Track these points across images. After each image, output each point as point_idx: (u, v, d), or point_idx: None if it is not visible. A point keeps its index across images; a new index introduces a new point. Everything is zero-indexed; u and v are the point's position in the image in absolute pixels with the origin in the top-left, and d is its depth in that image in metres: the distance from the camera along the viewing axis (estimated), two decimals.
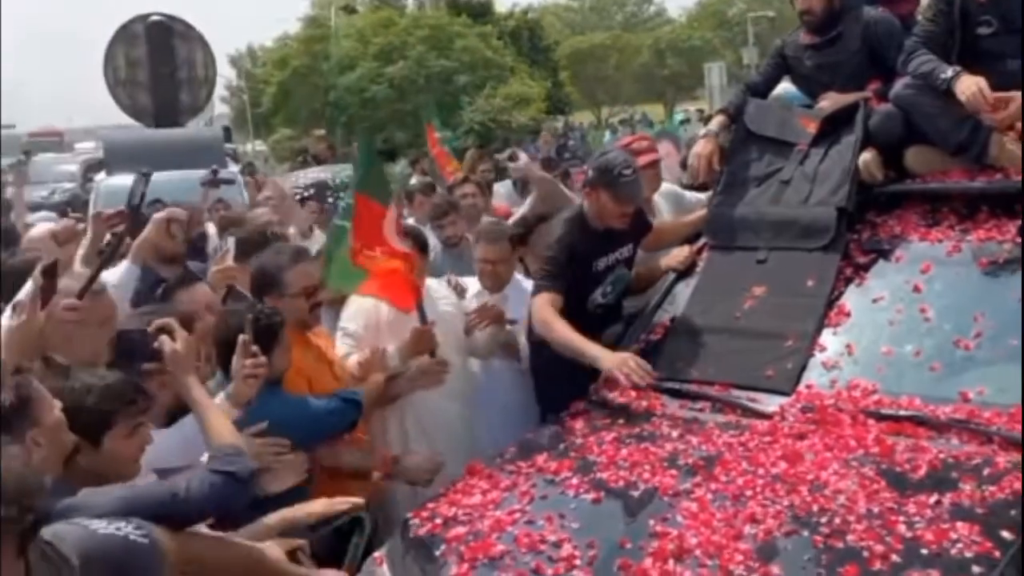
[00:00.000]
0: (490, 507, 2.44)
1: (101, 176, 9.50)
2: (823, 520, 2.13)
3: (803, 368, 2.89)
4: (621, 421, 2.89)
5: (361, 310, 3.54)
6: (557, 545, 2.19)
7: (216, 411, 2.38)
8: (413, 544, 2.41)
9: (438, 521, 2.45)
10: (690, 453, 2.57)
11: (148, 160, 4.37)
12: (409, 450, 3.34)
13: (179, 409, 2.51)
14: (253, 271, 3.29)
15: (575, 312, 3.37)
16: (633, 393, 3.03)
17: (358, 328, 3.50)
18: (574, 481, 2.50)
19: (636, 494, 2.40)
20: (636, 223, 3.55)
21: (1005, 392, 2.60)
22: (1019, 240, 2.97)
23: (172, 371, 2.41)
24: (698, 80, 33.87)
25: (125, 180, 5.46)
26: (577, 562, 2.12)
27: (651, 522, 2.22)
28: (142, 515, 1.84)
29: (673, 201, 4.02)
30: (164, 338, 2.44)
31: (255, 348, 2.60)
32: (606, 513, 2.34)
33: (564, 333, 3.22)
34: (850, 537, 2.05)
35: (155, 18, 10.52)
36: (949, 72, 3.10)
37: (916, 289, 2.97)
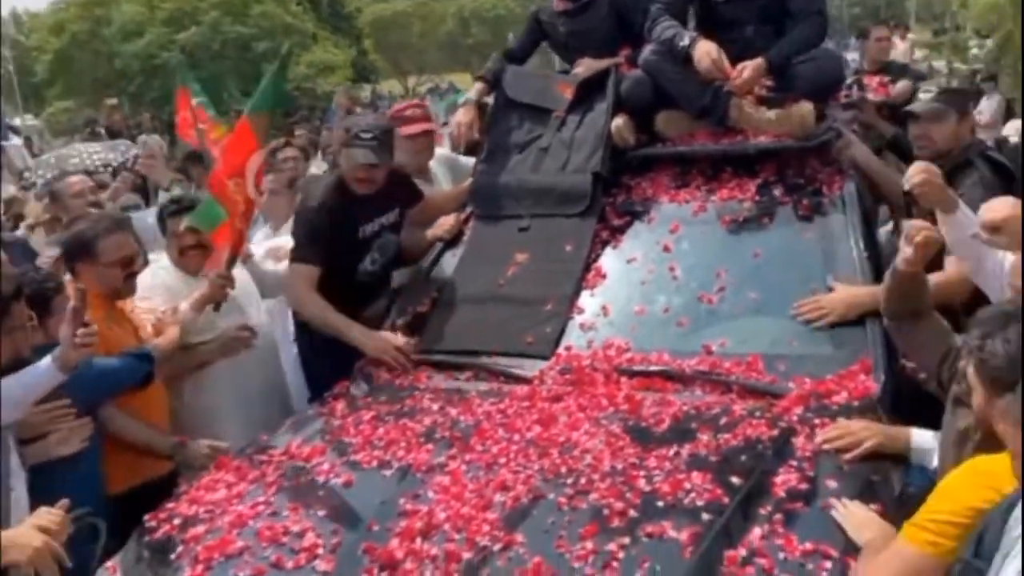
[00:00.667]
0: (234, 502, 2.29)
1: None
2: (569, 481, 2.13)
3: (562, 332, 2.92)
4: (383, 398, 2.81)
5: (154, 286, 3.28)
6: (300, 535, 2.08)
7: None
8: (148, 548, 2.22)
9: (176, 522, 2.26)
10: (448, 426, 2.52)
11: None
12: (203, 432, 3.09)
13: None
14: (68, 238, 3.14)
15: (344, 283, 3.27)
16: (392, 373, 2.97)
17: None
18: (325, 466, 2.39)
19: (389, 473, 2.31)
20: (402, 189, 3.46)
21: (745, 343, 2.72)
22: (759, 199, 3.13)
23: None
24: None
25: None
26: (320, 551, 2.02)
27: (401, 501, 2.15)
28: None
29: (449, 167, 3.95)
30: None
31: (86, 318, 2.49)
32: (356, 496, 2.24)
33: (320, 312, 3.11)
34: (592, 496, 2.06)
35: None
36: (687, 39, 3.20)
37: (666, 249, 3.06)
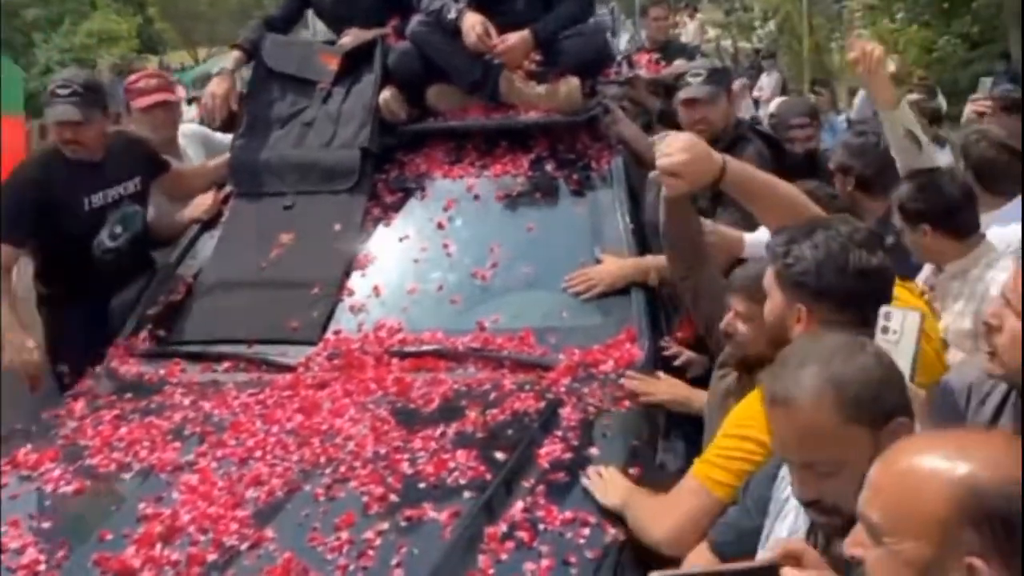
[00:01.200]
0: None
1: None
2: (328, 471, 2.00)
3: (331, 315, 2.76)
4: (129, 395, 2.54)
5: None
6: (19, 552, 1.82)
7: None
8: None
9: None
10: (199, 421, 2.31)
11: None
12: None
13: None
14: None
15: (81, 261, 3.02)
16: (145, 364, 2.72)
17: None
18: (56, 473, 2.12)
19: (128, 477, 2.08)
20: (141, 157, 3.23)
21: (517, 318, 2.68)
22: (531, 174, 3.10)
23: None
24: None
25: None
26: (41, 567, 1.77)
27: (141, 505, 1.93)
28: None
29: (201, 143, 3.68)
30: None
31: None
32: (88, 504, 2.01)
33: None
34: (352, 484, 1.93)
35: None
36: (454, 12, 3.12)
37: (440, 226, 2.98)
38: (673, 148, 1.94)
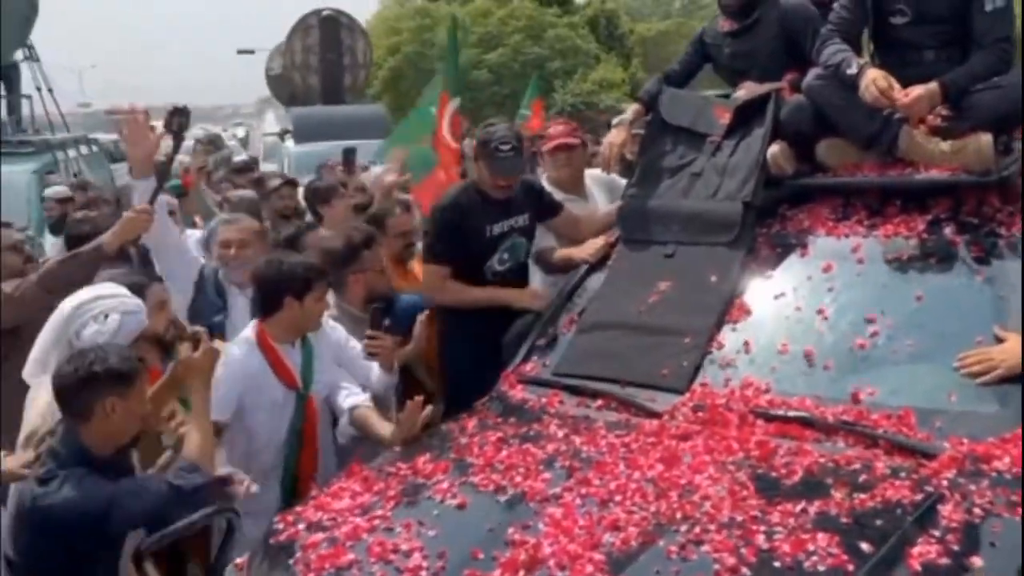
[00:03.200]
0: (355, 512, 2.35)
1: (289, 144, 11.51)
2: (683, 528, 2.04)
3: (699, 366, 2.81)
4: (513, 420, 2.81)
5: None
6: (407, 555, 2.10)
7: (203, 425, 2.64)
8: (272, 550, 2.32)
9: (301, 527, 2.35)
10: (569, 455, 2.48)
11: (328, 132, 5.37)
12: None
13: None
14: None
15: (474, 281, 3.57)
16: (530, 391, 2.97)
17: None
18: (444, 485, 2.40)
19: (503, 499, 2.30)
20: (533, 196, 3.70)
21: (897, 394, 2.52)
22: (926, 237, 2.90)
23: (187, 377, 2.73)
24: None
25: (310, 148, 9.05)
26: (423, 574, 2.03)
27: (510, 530, 2.13)
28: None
29: (606, 187, 3.98)
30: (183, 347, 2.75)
31: None
32: (467, 520, 2.24)
33: (460, 294, 3.48)
34: (705, 547, 1.96)
35: (326, 13, 12.95)
36: (854, 67, 3.01)
37: (818, 286, 2.89)
38: None
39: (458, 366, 3.54)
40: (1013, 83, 3.05)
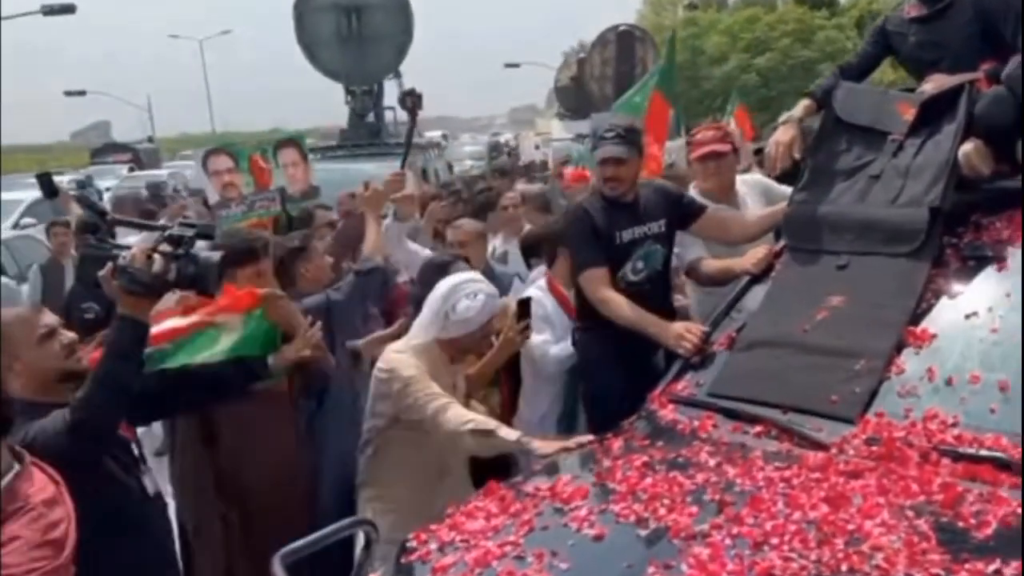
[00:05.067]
0: (488, 535, 2.23)
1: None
2: None
3: (874, 393, 2.51)
4: (660, 443, 2.61)
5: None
6: None
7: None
8: (403, 569, 2.24)
9: (433, 546, 2.26)
10: (720, 487, 2.26)
11: None
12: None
13: None
14: None
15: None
16: (682, 412, 2.77)
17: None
18: (583, 512, 2.24)
19: (644, 533, 2.12)
20: (670, 201, 3.48)
21: None
22: None
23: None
24: None
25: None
26: None
27: (651, 569, 1.95)
28: None
29: (760, 192, 3.70)
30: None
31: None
32: (603, 553, 2.07)
33: (625, 308, 3.22)
34: None
35: (623, 28, 14.48)
36: None
37: (1017, 305, 2.52)
38: None
39: (604, 381, 3.35)
40: None
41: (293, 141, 5.41)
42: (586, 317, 3.46)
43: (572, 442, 2.74)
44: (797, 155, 3.26)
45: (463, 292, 3.16)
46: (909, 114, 2.99)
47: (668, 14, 38.41)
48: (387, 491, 3.17)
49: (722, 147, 3.76)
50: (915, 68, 3.32)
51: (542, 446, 2.75)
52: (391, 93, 13.84)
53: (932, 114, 2.94)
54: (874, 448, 2.33)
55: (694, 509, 2.17)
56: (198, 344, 2.92)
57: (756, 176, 3.87)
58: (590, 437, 2.79)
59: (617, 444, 2.67)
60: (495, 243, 5.13)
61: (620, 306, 3.23)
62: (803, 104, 3.35)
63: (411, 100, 4.10)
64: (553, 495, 2.37)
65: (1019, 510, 1.99)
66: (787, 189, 3.42)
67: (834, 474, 2.25)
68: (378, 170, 6.33)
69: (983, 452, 2.20)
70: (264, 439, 3.22)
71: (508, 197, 5.41)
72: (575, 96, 17.65)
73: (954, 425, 2.32)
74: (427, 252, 4.15)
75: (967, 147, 2.80)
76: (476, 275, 3.34)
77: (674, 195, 3.53)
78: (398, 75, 13.96)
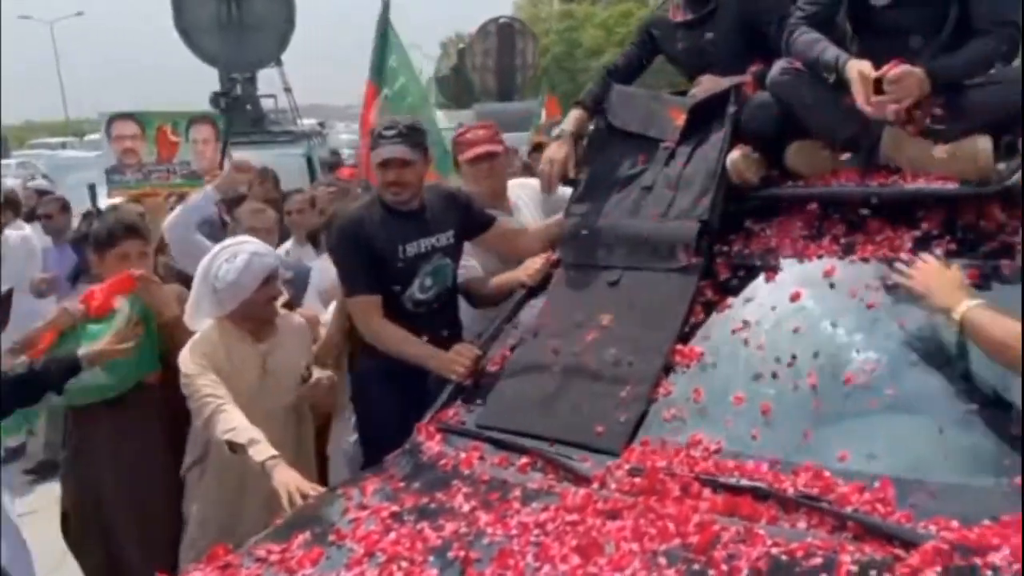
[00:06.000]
0: None
1: None
2: None
3: (641, 420, 2.34)
4: (417, 485, 2.35)
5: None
6: None
7: None
8: None
9: None
10: (469, 540, 2.02)
11: (508, 125, 5.50)
12: None
13: None
14: None
15: (394, 312, 3.01)
16: (449, 443, 2.52)
17: None
18: None
19: None
20: (459, 211, 3.16)
21: (874, 459, 2.05)
22: (915, 258, 2.41)
23: None
24: None
25: None
26: None
27: None
28: None
29: (536, 197, 3.48)
30: None
31: None
32: None
33: (396, 340, 2.94)
34: None
35: (503, 20, 14.54)
36: (830, 53, 2.54)
37: (784, 319, 2.42)
38: None
39: (379, 416, 3.05)
40: (1015, 76, 2.57)
41: (209, 118, 5.01)
42: (362, 343, 3.16)
43: (310, 488, 2.45)
44: (571, 173, 3.07)
45: (221, 259, 2.96)
46: (680, 119, 2.87)
47: (544, 6, 39.08)
48: (199, 507, 3.03)
49: (495, 147, 3.49)
50: (687, 71, 3.21)
51: (281, 476, 2.52)
52: (272, 81, 14.24)
53: (700, 121, 2.83)
54: (636, 480, 2.15)
55: (434, 571, 1.92)
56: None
57: (533, 181, 3.67)
58: (324, 489, 2.54)
59: (372, 487, 2.39)
60: (287, 246, 4.75)
61: (391, 338, 2.94)
62: (574, 115, 3.16)
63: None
64: (281, 561, 2.06)
65: (773, 549, 1.84)
66: (566, 191, 3.22)
67: (592, 514, 2.05)
68: (260, 158, 6.20)
69: (743, 483, 2.05)
70: (119, 440, 3.13)
71: (296, 200, 5.01)
72: (456, 86, 17.91)
73: (718, 451, 2.18)
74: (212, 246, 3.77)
75: (735, 155, 2.69)
76: (237, 239, 3.13)
77: (462, 202, 3.21)
78: (279, 63, 14.00)
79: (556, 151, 3.09)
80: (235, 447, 2.71)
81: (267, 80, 14.73)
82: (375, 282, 3.01)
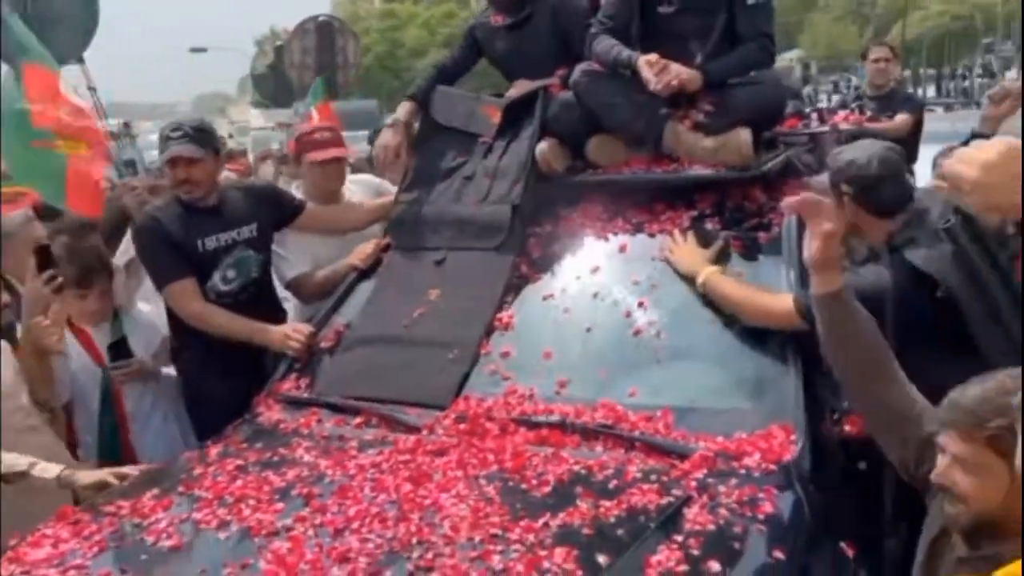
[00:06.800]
0: (54, 562, 2.02)
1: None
2: (416, 555, 1.85)
3: (466, 378, 2.64)
4: (260, 444, 2.54)
5: None
6: None
7: None
8: None
9: None
10: (311, 481, 2.25)
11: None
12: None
13: None
14: None
15: None
16: (287, 412, 2.72)
17: None
18: (162, 524, 2.11)
19: (225, 536, 2.04)
20: (264, 203, 3.31)
21: (658, 394, 2.43)
22: (692, 233, 2.84)
23: None
24: None
25: None
26: None
27: (226, 571, 1.87)
28: None
29: (370, 192, 3.72)
30: None
31: None
32: (178, 562, 1.97)
33: (222, 318, 3.04)
34: (434, 575, 1.77)
35: (322, 18, 14.31)
36: (625, 53, 2.96)
37: (586, 287, 2.79)
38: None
39: (208, 393, 3.17)
40: (771, 79, 3.08)
41: None
42: (181, 333, 3.21)
43: (116, 472, 2.47)
44: (404, 158, 3.35)
45: None
46: (496, 117, 3.21)
47: (364, 4, 39.04)
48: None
49: (342, 151, 3.65)
50: (506, 73, 3.56)
51: (85, 476, 2.45)
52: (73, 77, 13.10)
53: (514, 118, 3.18)
54: (461, 426, 2.45)
55: (280, 506, 2.13)
56: None
57: (365, 176, 3.90)
58: (140, 468, 2.58)
59: (214, 451, 2.56)
60: None
61: (215, 316, 3.05)
62: (406, 106, 3.45)
63: None
64: (133, 512, 2.21)
65: (575, 467, 2.18)
66: (393, 186, 3.49)
67: (422, 454, 2.32)
68: None
69: (551, 419, 2.39)
70: None
71: None
72: (274, 84, 17.30)
73: (531, 398, 2.50)
74: None
75: (542, 147, 3.05)
76: None
77: (267, 195, 3.38)
78: (81, 60, 13.12)
79: (390, 138, 3.36)
80: (10, 478, 2.44)
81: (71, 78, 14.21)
82: (184, 268, 3.08)
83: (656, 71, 2.86)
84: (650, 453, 2.22)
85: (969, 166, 1.30)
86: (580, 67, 3.10)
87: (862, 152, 2.43)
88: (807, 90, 23.32)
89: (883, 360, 1.93)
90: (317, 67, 14.57)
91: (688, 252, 2.70)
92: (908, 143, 3.67)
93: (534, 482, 2.12)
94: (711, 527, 1.88)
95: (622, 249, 2.86)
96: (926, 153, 4.28)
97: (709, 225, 2.84)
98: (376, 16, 35.87)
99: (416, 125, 3.42)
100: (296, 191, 3.66)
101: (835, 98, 10.98)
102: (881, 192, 2.38)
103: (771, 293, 2.47)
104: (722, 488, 2.03)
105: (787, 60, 30.20)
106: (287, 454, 2.44)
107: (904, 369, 1.93)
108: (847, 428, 2.24)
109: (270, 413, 2.77)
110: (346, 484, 2.20)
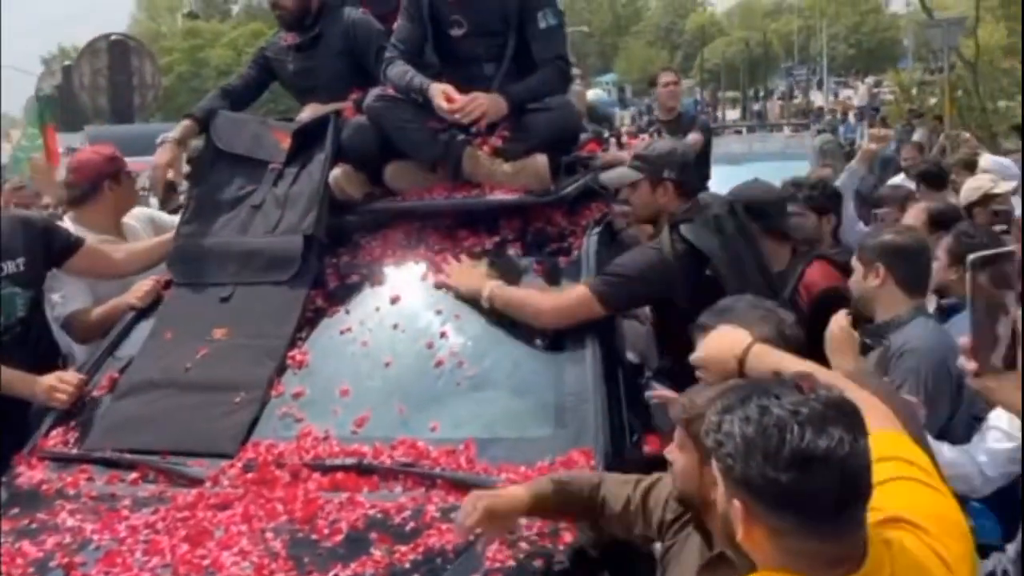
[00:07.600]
0: None
1: None
2: None
3: (255, 422, 2.44)
4: (16, 511, 2.24)
5: None
6: None
7: None
8: None
9: None
10: (73, 549, 1.99)
11: (125, 149, 3.74)
12: None
13: None
14: None
15: None
16: (52, 470, 2.42)
17: None
18: None
19: None
20: (33, 235, 2.97)
21: (460, 426, 2.34)
22: (494, 259, 2.78)
23: None
24: None
25: None
26: None
27: None
28: None
29: (150, 225, 3.44)
30: None
31: None
32: None
33: None
34: None
35: (115, 37, 13.30)
36: (417, 80, 2.88)
37: (385, 318, 2.66)
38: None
39: None
40: (563, 104, 3.08)
41: None
42: None
43: None
44: (176, 177, 3.12)
45: None
46: (286, 142, 3.04)
47: (165, 21, 37.31)
48: None
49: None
50: (297, 94, 3.40)
51: None
52: None
53: (306, 142, 3.02)
54: (248, 475, 2.25)
55: None
56: None
57: (141, 209, 3.62)
58: None
59: None
60: None
61: None
62: (183, 124, 3.21)
63: None
64: None
65: (370, 511, 2.04)
66: (174, 219, 3.24)
67: (203, 509, 2.12)
68: None
69: (347, 462, 2.24)
70: None
71: None
72: (62, 106, 16.10)
73: (326, 439, 2.34)
74: None
75: (336, 173, 2.91)
76: None
77: (38, 228, 3.04)
78: None
79: (161, 156, 3.13)
80: None
81: None
82: None
83: (458, 107, 2.79)
84: (451, 490, 2.12)
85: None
86: (374, 91, 3.00)
87: (673, 144, 2.89)
88: (630, 112, 24.44)
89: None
90: (111, 88, 13.90)
91: (465, 273, 2.67)
92: (699, 161, 3.79)
93: (326, 531, 1.97)
94: (511, 563, 1.79)
95: (423, 278, 2.76)
96: (718, 172, 4.81)
97: (511, 251, 2.79)
98: (179, 35, 34.71)
99: (193, 144, 3.20)
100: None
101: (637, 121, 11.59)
102: (693, 174, 2.81)
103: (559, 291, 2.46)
104: (522, 521, 1.95)
105: (603, 84, 31.47)
106: (47, 519, 2.16)
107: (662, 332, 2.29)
108: (646, 448, 2.23)
109: (32, 473, 2.46)
110: (114, 549, 1.96)
